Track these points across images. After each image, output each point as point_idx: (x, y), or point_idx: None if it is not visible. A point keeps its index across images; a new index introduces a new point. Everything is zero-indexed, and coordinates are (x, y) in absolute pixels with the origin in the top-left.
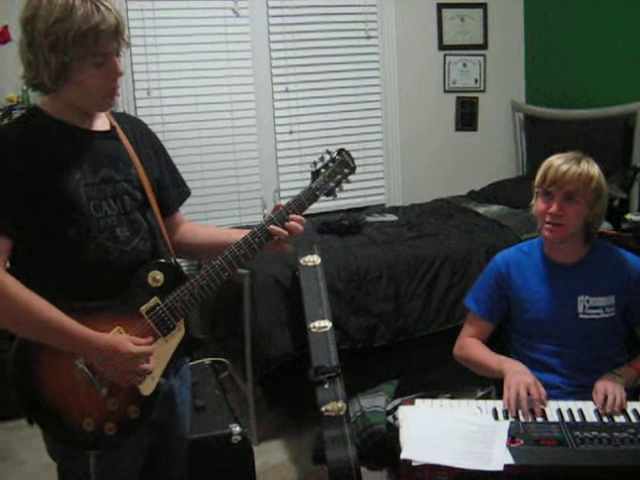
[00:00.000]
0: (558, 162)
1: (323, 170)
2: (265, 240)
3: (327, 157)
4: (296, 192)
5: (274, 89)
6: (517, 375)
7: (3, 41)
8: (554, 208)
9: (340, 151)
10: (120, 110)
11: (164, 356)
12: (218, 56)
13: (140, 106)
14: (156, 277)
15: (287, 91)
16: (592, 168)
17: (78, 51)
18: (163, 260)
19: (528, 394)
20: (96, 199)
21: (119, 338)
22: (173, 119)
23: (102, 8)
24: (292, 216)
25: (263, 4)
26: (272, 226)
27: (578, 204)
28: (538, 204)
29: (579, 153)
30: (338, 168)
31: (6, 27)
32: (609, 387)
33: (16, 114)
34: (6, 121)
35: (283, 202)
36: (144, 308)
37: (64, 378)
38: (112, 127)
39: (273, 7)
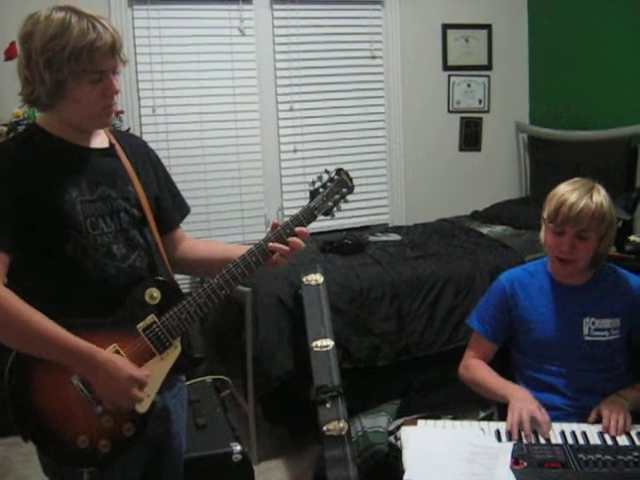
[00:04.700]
0: (570, 198)
1: (322, 190)
2: (263, 259)
3: (325, 177)
4: None
5: (279, 107)
6: (521, 401)
7: (10, 57)
8: (565, 247)
9: (339, 171)
10: (125, 127)
11: (160, 374)
12: (223, 74)
13: (145, 123)
14: (153, 294)
15: (292, 110)
16: (604, 200)
17: (73, 68)
18: (160, 277)
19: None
20: (93, 216)
21: (122, 358)
22: (178, 136)
23: (98, 26)
24: (298, 229)
25: (269, 23)
26: (271, 243)
27: (589, 240)
28: (547, 237)
29: (589, 182)
30: (336, 188)
31: (14, 43)
32: (614, 410)
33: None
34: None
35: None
36: (141, 326)
37: (59, 394)
38: (111, 144)
39: (279, 26)
